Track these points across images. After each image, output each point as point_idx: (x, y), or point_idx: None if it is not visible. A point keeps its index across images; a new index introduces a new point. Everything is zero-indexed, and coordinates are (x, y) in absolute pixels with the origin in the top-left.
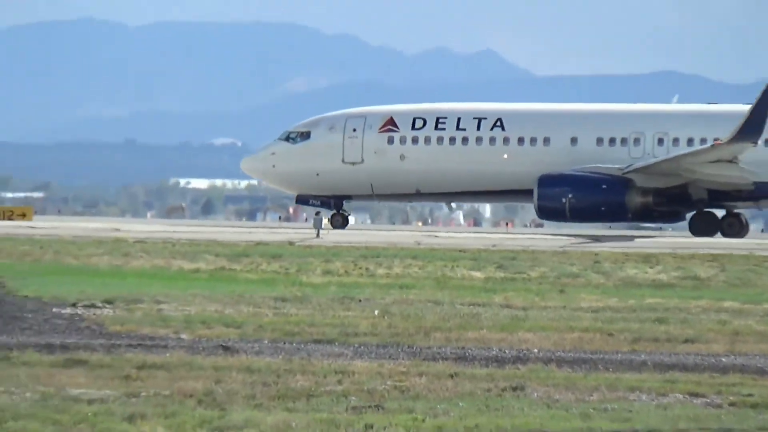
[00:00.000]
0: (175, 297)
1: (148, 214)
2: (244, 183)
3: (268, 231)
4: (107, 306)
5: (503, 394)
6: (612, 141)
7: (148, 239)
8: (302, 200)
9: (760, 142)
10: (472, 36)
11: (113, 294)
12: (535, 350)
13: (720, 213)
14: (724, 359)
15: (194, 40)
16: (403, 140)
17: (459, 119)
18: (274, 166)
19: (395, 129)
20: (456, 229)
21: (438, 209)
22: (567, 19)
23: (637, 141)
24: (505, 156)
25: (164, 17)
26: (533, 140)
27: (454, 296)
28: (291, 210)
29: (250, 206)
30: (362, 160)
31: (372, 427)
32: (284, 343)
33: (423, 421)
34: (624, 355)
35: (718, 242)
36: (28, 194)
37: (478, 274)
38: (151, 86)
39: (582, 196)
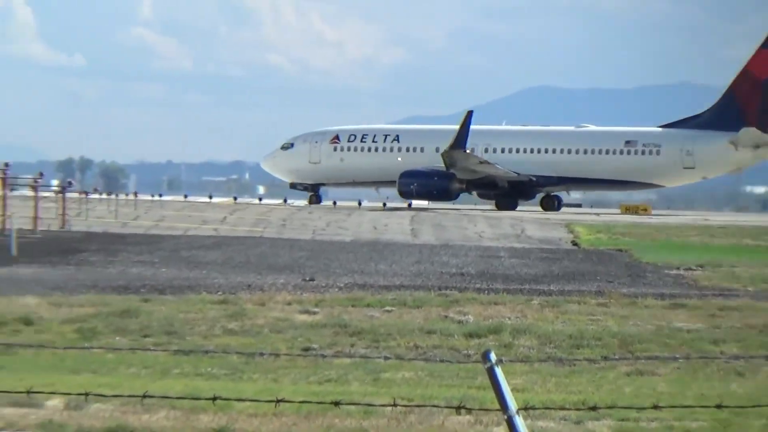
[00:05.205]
0: (743, 263)
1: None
2: None
3: None
4: (699, 268)
5: None
6: None
7: (727, 225)
8: (293, 186)
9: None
10: None
11: (703, 260)
12: None
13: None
14: None
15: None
16: (342, 149)
17: (375, 135)
18: (275, 165)
19: (338, 142)
20: None
21: None
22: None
23: (473, 150)
24: (399, 159)
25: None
26: (415, 149)
27: None
28: None
29: None
30: (320, 161)
31: None
32: None
33: None
34: None
35: None
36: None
37: None
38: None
39: (421, 184)
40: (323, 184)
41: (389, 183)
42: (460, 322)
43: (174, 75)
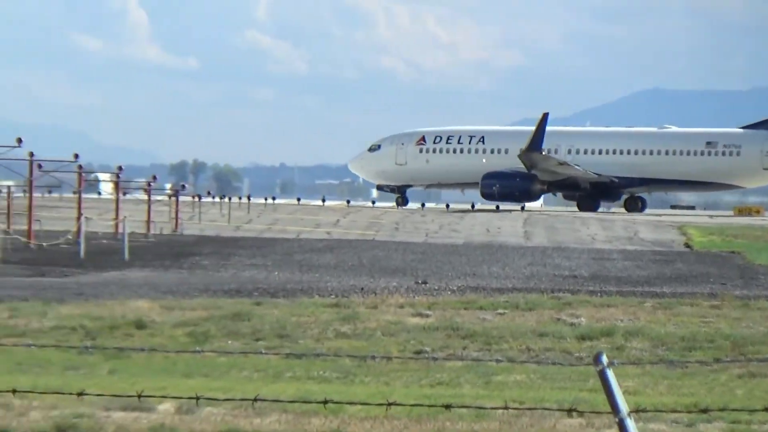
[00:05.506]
0: None
1: None
2: None
3: None
4: None
5: None
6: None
7: None
8: (379, 188)
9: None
10: None
11: None
12: None
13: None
14: None
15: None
16: (428, 150)
17: (460, 137)
18: (362, 167)
19: (424, 143)
20: None
21: None
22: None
23: (556, 151)
24: (485, 160)
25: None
26: (500, 150)
27: None
28: None
29: None
30: (406, 163)
31: None
32: None
33: None
34: None
35: None
36: None
37: None
38: None
39: (503, 185)
40: (410, 186)
41: (474, 184)
42: (572, 324)
43: (288, 77)
